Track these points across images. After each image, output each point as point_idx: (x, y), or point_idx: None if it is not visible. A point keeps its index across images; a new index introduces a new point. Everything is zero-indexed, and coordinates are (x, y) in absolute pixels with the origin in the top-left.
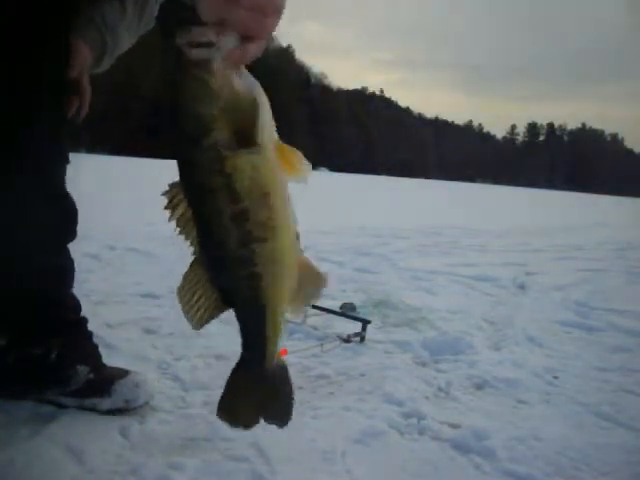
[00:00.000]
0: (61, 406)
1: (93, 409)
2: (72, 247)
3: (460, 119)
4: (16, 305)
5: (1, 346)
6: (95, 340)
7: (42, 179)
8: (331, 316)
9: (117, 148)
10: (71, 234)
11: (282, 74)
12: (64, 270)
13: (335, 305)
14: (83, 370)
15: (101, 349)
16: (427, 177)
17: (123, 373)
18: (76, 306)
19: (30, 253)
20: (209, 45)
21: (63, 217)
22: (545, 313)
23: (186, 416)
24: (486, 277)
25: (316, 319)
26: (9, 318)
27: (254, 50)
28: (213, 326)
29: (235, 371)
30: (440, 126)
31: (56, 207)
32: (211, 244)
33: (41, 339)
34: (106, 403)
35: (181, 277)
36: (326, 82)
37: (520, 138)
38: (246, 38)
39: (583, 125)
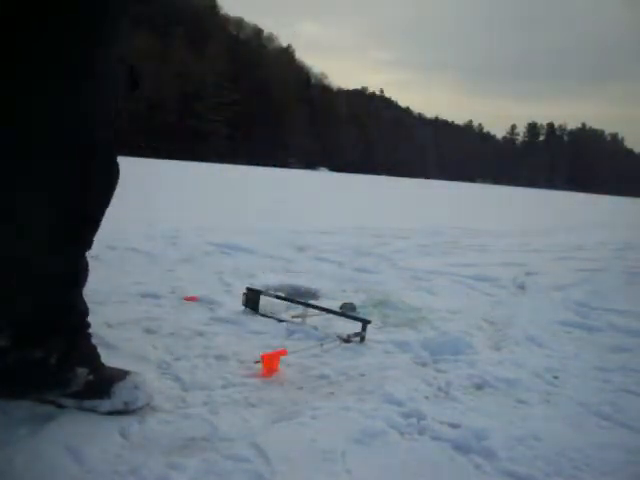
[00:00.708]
0: (61, 406)
1: (92, 411)
2: None
3: (460, 119)
4: (24, 307)
5: (4, 347)
6: (95, 340)
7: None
8: (331, 316)
9: (117, 148)
10: (84, 240)
11: (282, 74)
12: (76, 274)
13: (335, 305)
14: (82, 372)
15: (101, 349)
16: (427, 177)
17: (122, 374)
18: (84, 311)
19: (40, 254)
20: None
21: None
22: (545, 313)
23: (186, 416)
24: (486, 277)
25: (316, 319)
26: (15, 319)
27: None
28: (213, 326)
29: None
30: (440, 126)
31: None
32: None
33: (43, 342)
34: (105, 405)
35: (181, 277)
36: (326, 82)
37: (520, 138)
38: None
39: (583, 125)
